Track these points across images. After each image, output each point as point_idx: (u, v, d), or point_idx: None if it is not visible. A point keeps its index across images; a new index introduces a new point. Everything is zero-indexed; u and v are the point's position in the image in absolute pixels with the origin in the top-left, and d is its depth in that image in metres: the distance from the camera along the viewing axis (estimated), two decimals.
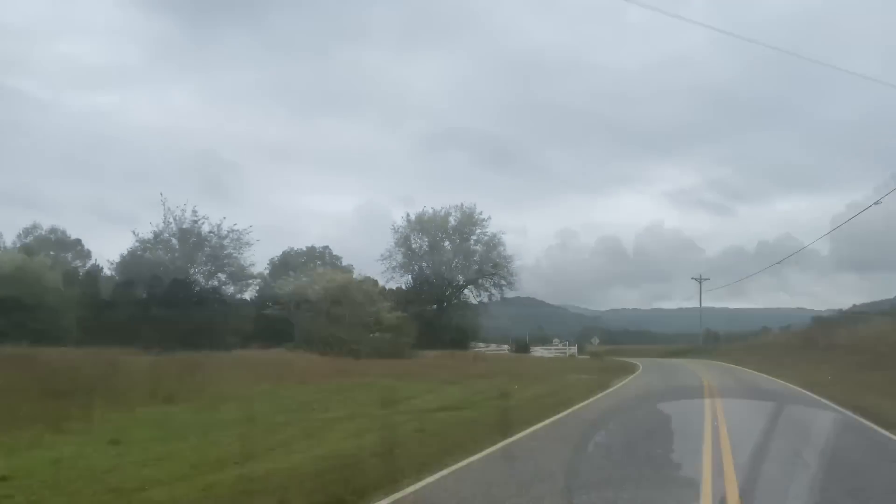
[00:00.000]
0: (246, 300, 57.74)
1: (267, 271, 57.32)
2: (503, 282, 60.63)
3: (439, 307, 58.36)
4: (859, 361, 34.24)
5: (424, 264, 58.86)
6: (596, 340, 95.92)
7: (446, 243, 58.77)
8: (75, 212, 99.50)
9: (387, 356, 35.39)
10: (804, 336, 52.09)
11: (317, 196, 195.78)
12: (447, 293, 60.02)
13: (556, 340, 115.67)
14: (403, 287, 60.16)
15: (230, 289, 48.56)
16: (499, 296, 61.21)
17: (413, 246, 58.49)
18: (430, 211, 58.42)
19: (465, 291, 61.18)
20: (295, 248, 59.94)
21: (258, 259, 60.67)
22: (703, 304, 80.00)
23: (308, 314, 37.15)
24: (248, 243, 48.15)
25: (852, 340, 41.58)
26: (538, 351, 67.97)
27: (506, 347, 62.96)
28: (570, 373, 32.42)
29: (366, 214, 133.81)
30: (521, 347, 59.37)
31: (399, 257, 58.33)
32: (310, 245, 59.81)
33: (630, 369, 40.20)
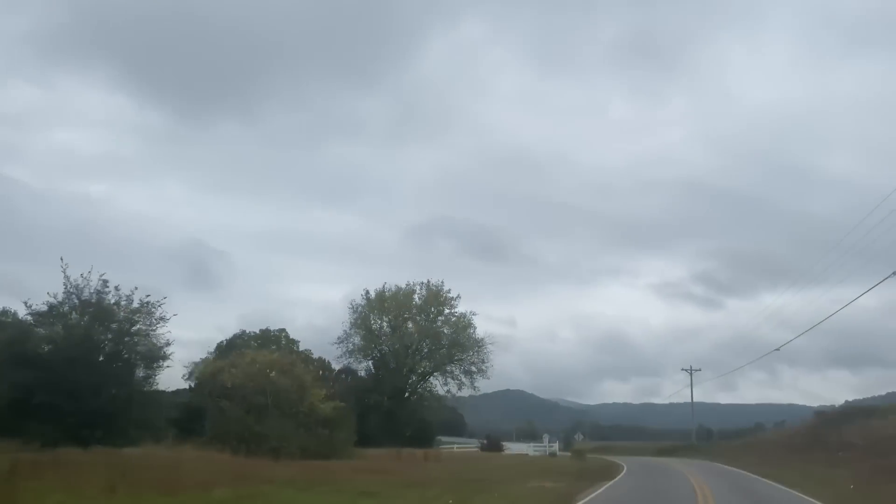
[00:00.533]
0: (162, 390, 51.42)
1: (212, 356, 51.36)
2: (474, 369, 54.50)
3: (399, 397, 51.95)
4: (882, 465, 28.47)
5: (385, 348, 53.00)
6: (580, 437, 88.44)
7: (409, 324, 53.06)
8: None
9: (316, 456, 29.30)
10: (809, 433, 46.09)
11: (305, 285, 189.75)
12: (410, 381, 53.79)
13: (545, 436, 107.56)
14: (364, 374, 54.22)
15: (141, 372, 42.79)
16: (469, 385, 54.90)
17: (373, 327, 52.76)
18: (393, 287, 53.22)
19: (432, 380, 55.05)
20: (248, 331, 54.10)
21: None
22: (694, 400, 74.53)
23: (224, 404, 31.09)
24: (162, 318, 42.50)
25: (868, 439, 35.75)
26: (514, 448, 61.15)
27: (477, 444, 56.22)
28: (535, 478, 26.42)
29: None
30: (493, 444, 52.60)
31: (357, 339, 52.55)
32: (265, 328, 53.83)
33: (611, 472, 34.07)
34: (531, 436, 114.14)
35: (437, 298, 53.32)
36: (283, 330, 52.91)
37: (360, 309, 52.32)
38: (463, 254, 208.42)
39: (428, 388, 54.80)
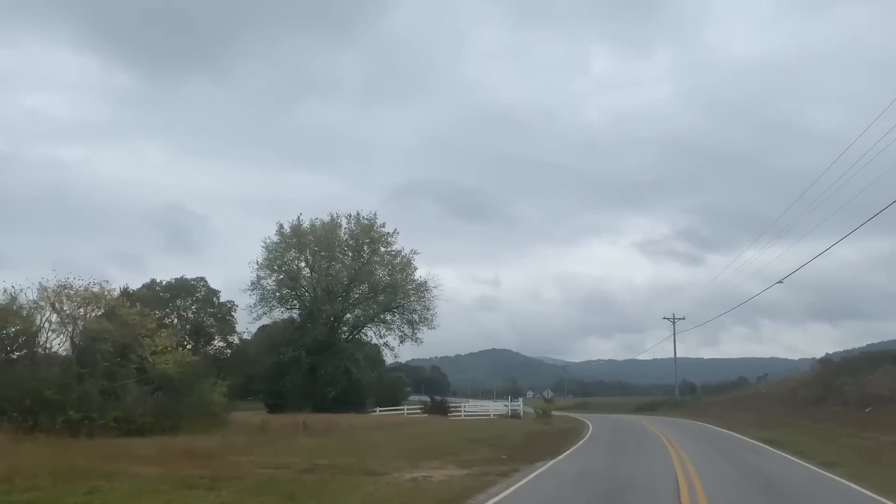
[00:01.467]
0: None
1: None
2: (416, 318, 45.64)
3: (324, 352, 42.86)
4: None
5: (307, 293, 43.84)
6: (549, 394, 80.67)
7: (335, 265, 43.78)
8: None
9: (141, 431, 20.47)
10: (816, 384, 37.88)
11: None
12: (337, 333, 44.79)
13: (529, 393, 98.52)
14: (284, 325, 44.93)
15: None
16: (411, 336, 46.12)
17: (287, 268, 43.34)
18: (317, 222, 43.54)
19: (368, 332, 46.20)
20: (159, 279, 44.89)
21: None
22: (677, 355, 67.76)
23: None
24: None
25: None
26: (479, 407, 52.90)
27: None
28: (440, 458, 17.71)
29: None
30: (438, 407, 44.02)
31: (270, 283, 43.27)
32: (179, 276, 44.40)
33: (568, 440, 25.69)
34: (515, 394, 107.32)
35: (368, 234, 44.07)
36: (202, 279, 43.60)
37: (274, 247, 42.82)
38: (446, 215, 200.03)
39: (363, 342, 46.00)
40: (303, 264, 42.92)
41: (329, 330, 43.34)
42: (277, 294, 43.12)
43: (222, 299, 46.54)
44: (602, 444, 24.43)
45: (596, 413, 72.87)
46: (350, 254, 44.03)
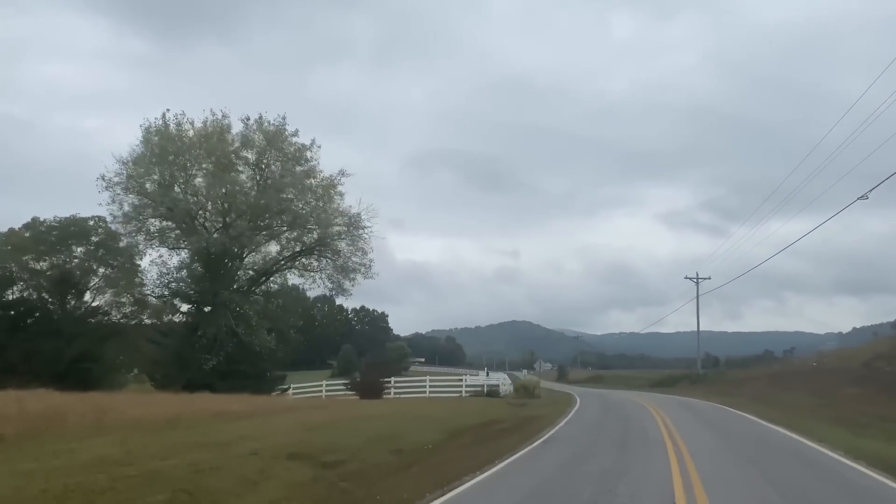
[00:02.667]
0: None
1: None
2: (348, 264, 33.73)
3: (218, 309, 31.13)
4: None
5: (183, 223, 31.98)
6: (542, 365, 69.02)
7: (227, 185, 31.68)
8: None
9: None
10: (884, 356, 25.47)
11: None
12: (236, 279, 33.05)
13: (546, 365, 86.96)
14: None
15: None
16: (339, 288, 34.31)
17: (162, 189, 31.25)
18: (196, 125, 31.49)
19: (288, 278, 34.52)
20: (42, 219, 34.53)
21: None
22: (700, 329, 57.31)
23: None
24: None
25: None
26: (437, 382, 41.58)
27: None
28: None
29: None
30: (369, 386, 32.05)
31: (126, 206, 31.39)
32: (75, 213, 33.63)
33: (512, 443, 14.05)
34: (531, 365, 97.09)
35: (275, 142, 32.00)
36: (100, 217, 32.74)
37: (138, 161, 30.75)
38: (463, 186, 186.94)
39: (271, 291, 34.31)
40: (177, 186, 30.87)
41: (222, 276, 31.61)
42: (145, 226, 31.32)
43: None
44: (565, 452, 12.62)
45: (606, 388, 61.83)
46: (249, 170, 32.04)
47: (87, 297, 36.98)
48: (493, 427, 19.57)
